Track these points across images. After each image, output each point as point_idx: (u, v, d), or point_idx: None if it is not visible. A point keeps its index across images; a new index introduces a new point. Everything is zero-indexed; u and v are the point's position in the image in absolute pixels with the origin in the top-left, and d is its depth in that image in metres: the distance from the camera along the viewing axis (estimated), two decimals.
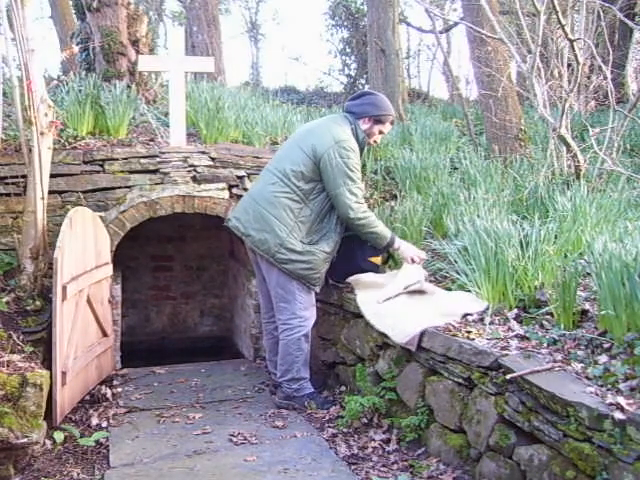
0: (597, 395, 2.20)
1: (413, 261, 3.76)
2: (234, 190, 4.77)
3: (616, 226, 3.63)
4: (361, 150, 3.78)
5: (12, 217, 4.28)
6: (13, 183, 4.27)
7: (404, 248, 3.80)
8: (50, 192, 4.09)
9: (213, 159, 4.77)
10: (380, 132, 3.86)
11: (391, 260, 4.20)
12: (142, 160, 4.61)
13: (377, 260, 4.01)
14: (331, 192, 3.64)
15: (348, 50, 13.19)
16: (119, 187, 4.54)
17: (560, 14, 4.49)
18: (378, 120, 3.79)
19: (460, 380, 2.86)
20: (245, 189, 4.75)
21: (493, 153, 6.04)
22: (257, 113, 6.21)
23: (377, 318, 3.51)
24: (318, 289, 3.84)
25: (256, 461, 3.03)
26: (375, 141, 3.92)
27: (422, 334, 3.12)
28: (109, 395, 3.95)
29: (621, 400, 2.09)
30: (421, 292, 3.60)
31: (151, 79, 6.91)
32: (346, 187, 3.59)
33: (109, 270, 4.32)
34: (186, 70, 5.00)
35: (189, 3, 11.87)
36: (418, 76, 16.46)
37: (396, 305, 3.54)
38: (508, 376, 2.50)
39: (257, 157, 4.90)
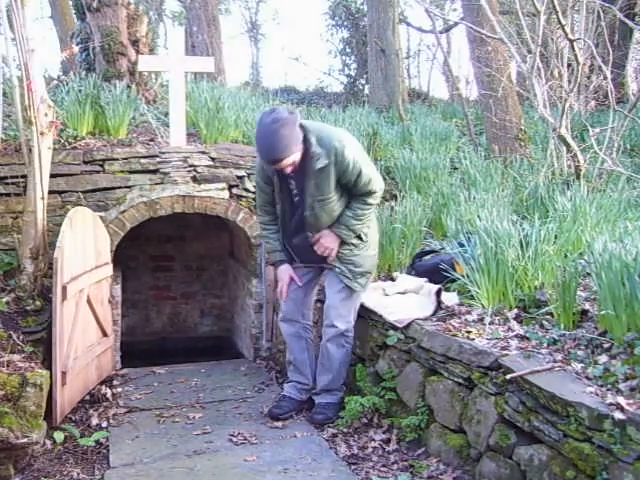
0: (597, 395, 2.20)
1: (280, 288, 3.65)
2: (234, 190, 4.77)
3: (616, 226, 3.64)
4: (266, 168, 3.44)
5: (12, 217, 4.28)
6: (13, 183, 4.27)
7: (281, 269, 3.62)
8: (50, 192, 4.08)
9: (213, 159, 4.76)
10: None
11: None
12: (142, 160, 4.61)
13: None
14: None
15: (348, 50, 13.20)
16: (119, 187, 4.53)
17: (560, 14, 4.50)
18: None
19: (460, 380, 2.86)
20: (245, 189, 4.76)
21: (493, 153, 6.04)
22: (257, 113, 6.20)
23: (379, 307, 3.60)
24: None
25: (256, 461, 3.04)
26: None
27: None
28: (109, 395, 3.94)
29: (621, 400, 2.09)
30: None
31: (151, 79, 6.92)
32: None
33: (109, 270, 4.32)
34: (186, 70, 5.00)
35: (189, 3, 11.86)
36: (418, 76, 16.51)
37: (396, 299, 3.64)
38: (508, 376, 2.51)
39: (257, 157, 4.89)
